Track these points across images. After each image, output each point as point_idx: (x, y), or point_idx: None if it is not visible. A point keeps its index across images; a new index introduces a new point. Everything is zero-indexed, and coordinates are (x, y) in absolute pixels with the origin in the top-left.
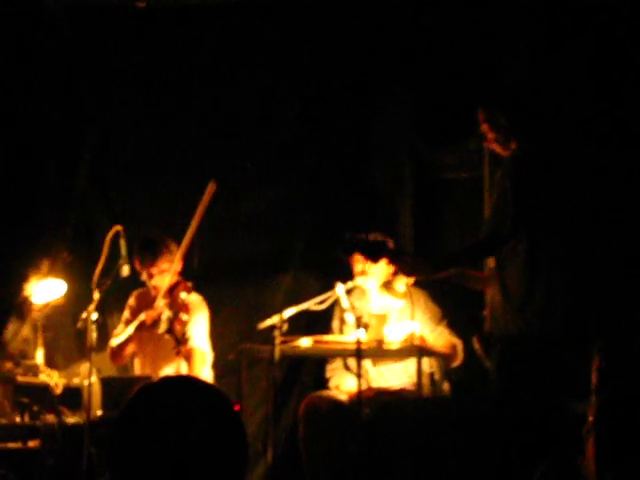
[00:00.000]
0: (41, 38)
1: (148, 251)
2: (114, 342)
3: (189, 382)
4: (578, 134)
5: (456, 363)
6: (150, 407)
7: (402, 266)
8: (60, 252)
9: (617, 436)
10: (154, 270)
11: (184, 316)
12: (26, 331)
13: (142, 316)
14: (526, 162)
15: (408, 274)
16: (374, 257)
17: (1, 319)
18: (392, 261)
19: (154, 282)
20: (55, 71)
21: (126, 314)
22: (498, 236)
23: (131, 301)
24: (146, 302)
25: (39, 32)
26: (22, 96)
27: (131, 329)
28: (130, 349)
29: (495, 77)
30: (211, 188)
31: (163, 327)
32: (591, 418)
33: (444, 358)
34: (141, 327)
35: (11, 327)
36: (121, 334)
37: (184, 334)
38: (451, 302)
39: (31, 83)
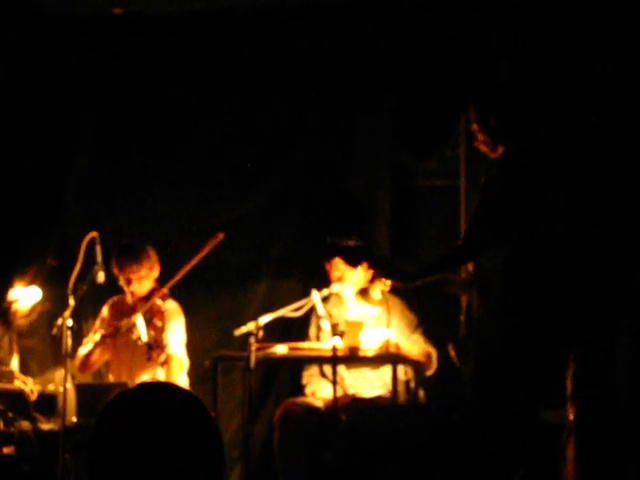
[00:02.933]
0: (28, 49)
1: (127, 256)
2: (81, 352)
3: (166, 388)
4: (567, 139)
5: (430, 372)
6: (128, 413)
7: (380, 271)
8: (46, 258)
9: (597, 442)
10: (133, 276)
11: (158, 322)
12: (1, 338)
13: (99, 333)
14: (512, 166)
15: (386, 279)
16: (354, 262)
17: None
18: (371, 266)
19: (132, 288)
20: (41, 80)
21: (97, 324)
22: (477, 243)
23: (104, 311)
24: (122, 310)
25: (27, 43)
26: (10, 105)
27: (97, 336)
28: (96, 358)
29: (487, 79)
30: (216, 238)
31: (137, 333)
32: (571, 418)
33: (419, 366)
34: (115, 334)
35: None
36: (88, 343)
37: (156, 340)
38: (427, 309)
39: (19, 93)
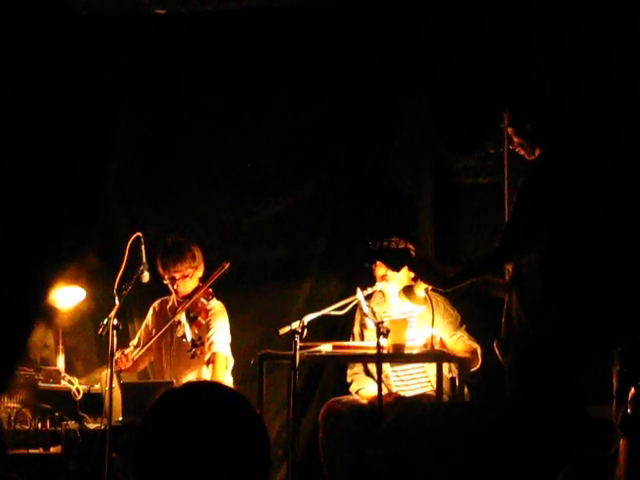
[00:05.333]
0: (64, 48)
1: (172, 255)
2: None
3: (213, 387)
4: (602, 144)
5: (475, 367)
6: (174, 412)
7: (420, 275)
8: (87, 258)
9: None
10: (177, 275)
11: (202, 321)
12: (47, 337)
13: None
14: (548, 170)
15: (426, 282)
16: (395, 266)
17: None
18: (411, 269)
19: (176, 286)
20: (76, 80)
21: (142, 327)
22: (513, 244)
23: (149, 314)
24: (166, 310)
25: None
26: (44, 104)
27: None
28: (144, 361)
29: (522, 82)
30: (222, 268)
31: (181, 331)
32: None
33: (463, 362)
34: (162, 336)
35: (37, 333)
36: (135, 348)
37: (200, 338)
38: (471, 307)
39: (52, 92)
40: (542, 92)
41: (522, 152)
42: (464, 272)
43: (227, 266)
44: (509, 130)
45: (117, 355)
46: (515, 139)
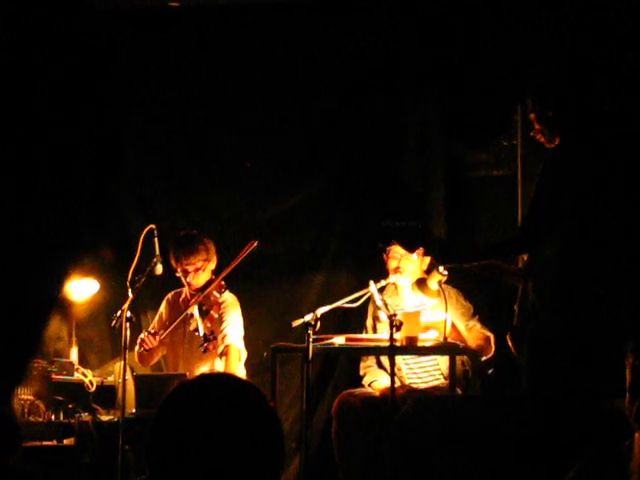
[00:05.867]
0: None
1: (185, 247)
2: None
3: (226, 379)
4: (620, 137)
5: (489, 355)
6: (188, 404)
7: (434, 255)
8: (100, 250)
9: None
10: (189, 267)
11: (215, 314)
12: (61, 330)
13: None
14: (565, 160)
15: (438, 262)
16: (411, 245)
17: (43, 316)
18: (426, 250)
19: (189, 279)
20: (90, 73)
21: (156, 319)
22: (533, 233)
23: (162, 307)
24: (178, 303)
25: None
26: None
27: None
28: (158, 353)
29: (545, 70)
30: (250, 245)
31: (194, 324)
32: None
33: (477, 351)
34: (174, 329)
35: (52, 325)
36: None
37: (213, 331)
38: (483, 299)
39: (67, 86)
40: (565, 82)
41: (542, 139)
42: (481, 252)
43: (255, 244)
44: (531, 116)
45: (143, 335)
46: (536, 125)
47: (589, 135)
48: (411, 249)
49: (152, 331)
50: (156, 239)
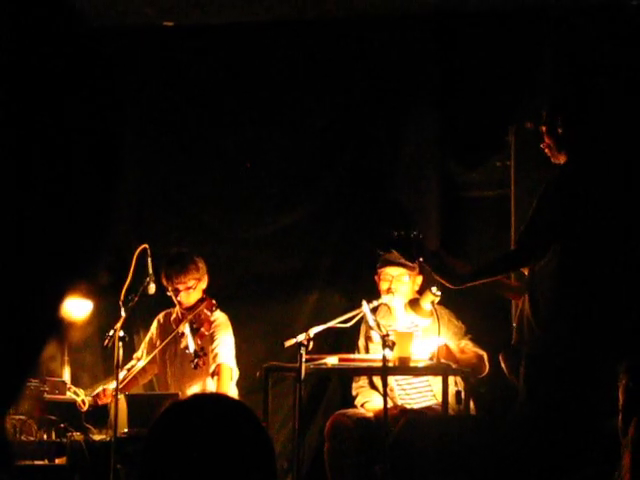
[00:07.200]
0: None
1: (175, 266)
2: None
3: (218, 399)
4: (625, 160)
5: (483, 374)
6: (180, 424)
7: (432, 270)
8: (97, 275)
9: None
10: (180, 286)
11: (205, 332)
12: (53, 349)
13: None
14: (570, 179)
15: (437, 278)
16: (411, 256)
17: (40, 339)
18: (426, 262)
19: (180, 298)
20: (87, 92)
21: (145, 340)
22: (529, 249)
23: (153, 327)
24: (169, 323)
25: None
26: (52, 121)
27: (141, 363)
28: (146, 376)
29: (559, 89)
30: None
31: (184, 343)
32: (632, 432)
33: (471, 370)
34: (166, 348)
35: (50, 348)
36: (138, 361)
37: (203, 349)
38: (475, 319)
39: (62, 106)
40: (578, 101)
41: (549, 153)
42: (478, 272)
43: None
44: (542, 128)
45: (99, 389)
46: (546, 139)
47: (595, 158)
48: (410, 259)
49: (109, 387)
50: (149, 258)
